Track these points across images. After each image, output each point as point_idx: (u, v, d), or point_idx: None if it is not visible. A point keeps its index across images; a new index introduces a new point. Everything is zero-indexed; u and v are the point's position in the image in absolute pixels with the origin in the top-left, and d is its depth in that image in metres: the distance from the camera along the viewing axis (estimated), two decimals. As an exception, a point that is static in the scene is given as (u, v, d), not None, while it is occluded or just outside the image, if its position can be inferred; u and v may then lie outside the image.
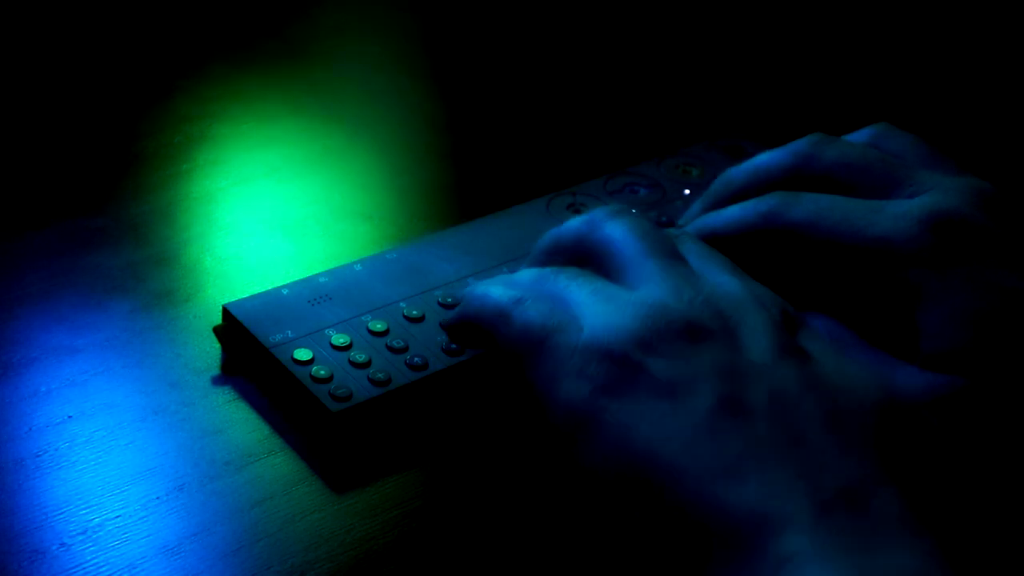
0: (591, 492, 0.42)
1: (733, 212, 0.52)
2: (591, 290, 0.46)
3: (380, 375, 0.49)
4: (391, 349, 0.51)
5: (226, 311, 0.51)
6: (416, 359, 0.50)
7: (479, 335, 0.48)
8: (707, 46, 0.76)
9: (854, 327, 0.48)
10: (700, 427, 0.40)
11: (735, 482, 0.39)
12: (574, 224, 0.50)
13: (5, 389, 0.49)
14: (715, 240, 0.52)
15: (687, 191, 0.61)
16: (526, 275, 0.49)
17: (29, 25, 0.70)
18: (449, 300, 0.53)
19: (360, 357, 0.50)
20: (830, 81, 0.74)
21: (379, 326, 0.51)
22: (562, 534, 0.46)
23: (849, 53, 0.77)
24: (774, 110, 0.71)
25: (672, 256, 0.47)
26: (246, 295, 0.52)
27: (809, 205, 0.50)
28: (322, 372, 0.49)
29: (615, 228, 0.48)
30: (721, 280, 0.46)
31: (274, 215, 0.60)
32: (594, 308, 0.45)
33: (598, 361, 0.43)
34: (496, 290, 0.48)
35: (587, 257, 0.48)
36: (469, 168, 0.65)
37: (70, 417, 0.49)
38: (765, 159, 0.53)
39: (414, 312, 0.52)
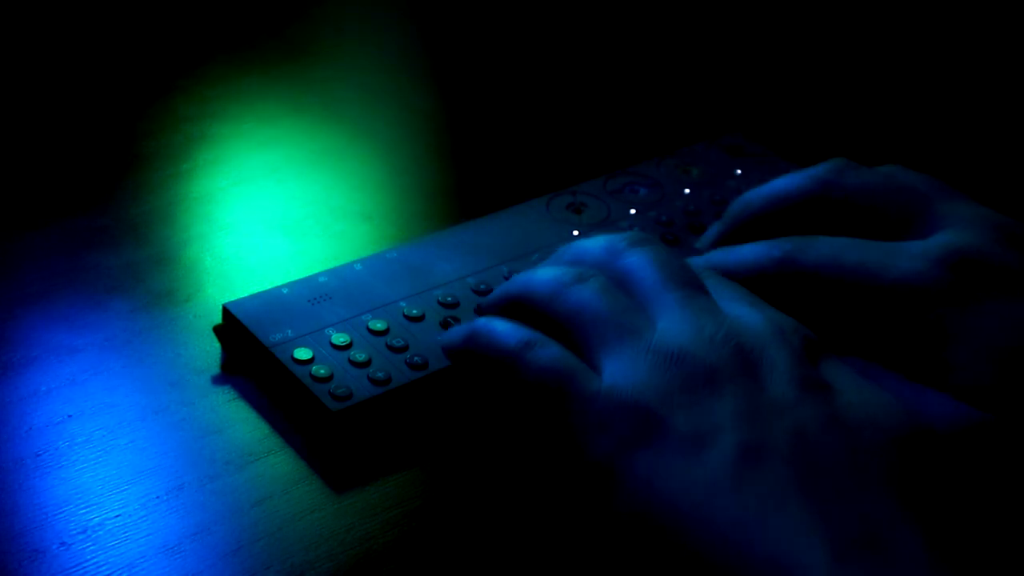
0: (614, 533, 0.42)
1: (747, 253, 0.51)
2: (609, 326, 0.45)
3: (380, 374, 0.49)
4: (391, 348, 0.51)
5: (226, 311, 0.51)
6: (416, 358, 0.50)
7: (483, 368, 0.47)
8: (706, 46, 0.76)
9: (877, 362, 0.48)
10: (722, 478, 0.40)
11: (755, 531, 0.39)
12: (596, 247, 0.49)
13: (5, 389, 0.49)
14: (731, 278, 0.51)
15: (687, 191, 0.61)
16: (548, 275, 0.48)
17: (29, 25, 0.70)
18: (449, 299, 0.53)
19: (360, 356, 0.50)
20: (829, 79, 0.74)
21: (379, 325, 0.51)
22: (561, 534, 0.46)
23: (848, 51, 0.77)
24: (774, 109, 0.71)
25: (692, 286, 0.46)
26: (246, 295, 0.52)
27: (824, 249, 0.49)
28: (322, 371, 0.49)
29: (635, 257, 0.47)
30: (741, 311, 0.45)
31: (274, 215, 0.60)
32: (612, 350, 0.44)
33: (620, 415, 0.42)
34: (502, 327, 0.46)
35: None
36: (469, 168, 0.65)
37: (70, 417, 0.49)
38: (784, 183, 0.53)
39: (414, 311, 0.52)
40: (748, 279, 0.50)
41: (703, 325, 0.44)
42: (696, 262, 0.52)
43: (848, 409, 0.42)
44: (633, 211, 0.59)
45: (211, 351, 0.52)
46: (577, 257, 0.49)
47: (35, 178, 0.60)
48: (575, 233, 0.58)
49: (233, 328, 0.51)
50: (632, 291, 0.46)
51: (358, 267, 0.54)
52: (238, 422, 0.49)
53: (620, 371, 0.43)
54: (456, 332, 0.49)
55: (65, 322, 0.53)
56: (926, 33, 0.79)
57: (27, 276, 0.55)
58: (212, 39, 0.71)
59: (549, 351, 0.45)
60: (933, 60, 0.77)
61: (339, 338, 0.51)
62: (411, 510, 0.47)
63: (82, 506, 0.45)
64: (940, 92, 0.74)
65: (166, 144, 0.63)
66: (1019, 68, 0.77)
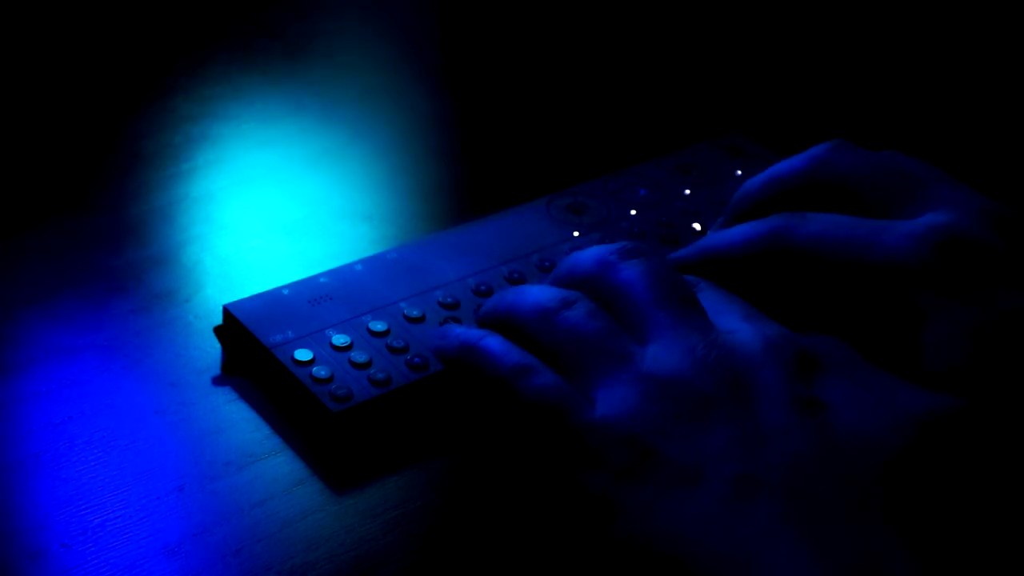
0: (612, 557, 0.42)
1: (737, 232, 0.51)
2: (598, 353, 0.45)
3: (380, 375, 0.49)
4: (391, 349, 0.51)
5: (226, 311, 0.51)
6: (416, 359, 0.50)
7: (475, 381, 0.47)
8: (706, 45, 0.76)
9: (856, 345, 0.48)
10: (717, 513, 0.40)
11: (752, 568, 0.39)
12: (588, 260, 0.48)
13: (5, 389, 0.49)
14: (719, 264, 0.51)
15: (687, 191, 0.61)
16: (534, 298, 0.48)
17: (29, 24, 0.70)
18: (449, 300, 0.53)
19: (360, 357, 0.50)
20: (829, 79, 0.74)
21: (379, 326, 0.51)
22: (560, 536, 0.46)
23: (848, 50, 0.77)
24: (774, 109, 0.71)
25: (685, 302, 0.46)
26: (246, 295, 0.52)
27: (814, 225, 0.49)
28: (322, 372, 0.49)
29: (628, 272, 0.47)
30: (734, 327, 0.45)
31: (274, 215, 0.60)
32: (603, 378, 0.44)
33: (614, 447, 0.42)
34: (496, 347, 0.46)
35: (600, 298, 0.47)
36: (469, 168, 0.65)
37: (70, 418, 0.49)
38: (781, 167, 0.53)
39: (414, 312, 0.52)
40: (738, 261, 0.50)
41: (694, 346, 0.44)
42: (688, 250, 0.52)
43: (843, 432, 0.42)
44: (633, 212, 0.59)
45: (211, 352, 0.52)
46: (570, 271, 0.49)
47: (35, 178, 0.60)
48: (575, 234, 0.58)
49: (233, 329, 0.51)
50: (624, 308, 0.46)
51: (358, 268, 0.54)
52: (239, 423, 0.49)
53: (612, 401, 0.43)
54: (450, 339, 0.48)
55: (65, 322, 0.53)
56: (927, 32, 0.79)
57: (27, 276, 0.55)
58: (212, 39, 0.71)
59: (543, 379, 0.44)
60: (934, 59, 0.77)
61: (339, 339, 0.51)
62: (411, 511, 0.47)
63: (82, 507, 0.45)
64: (941, 91, 0.74)
65: (166, 144, 0.63)
66: (1019, 68, 0.77)
